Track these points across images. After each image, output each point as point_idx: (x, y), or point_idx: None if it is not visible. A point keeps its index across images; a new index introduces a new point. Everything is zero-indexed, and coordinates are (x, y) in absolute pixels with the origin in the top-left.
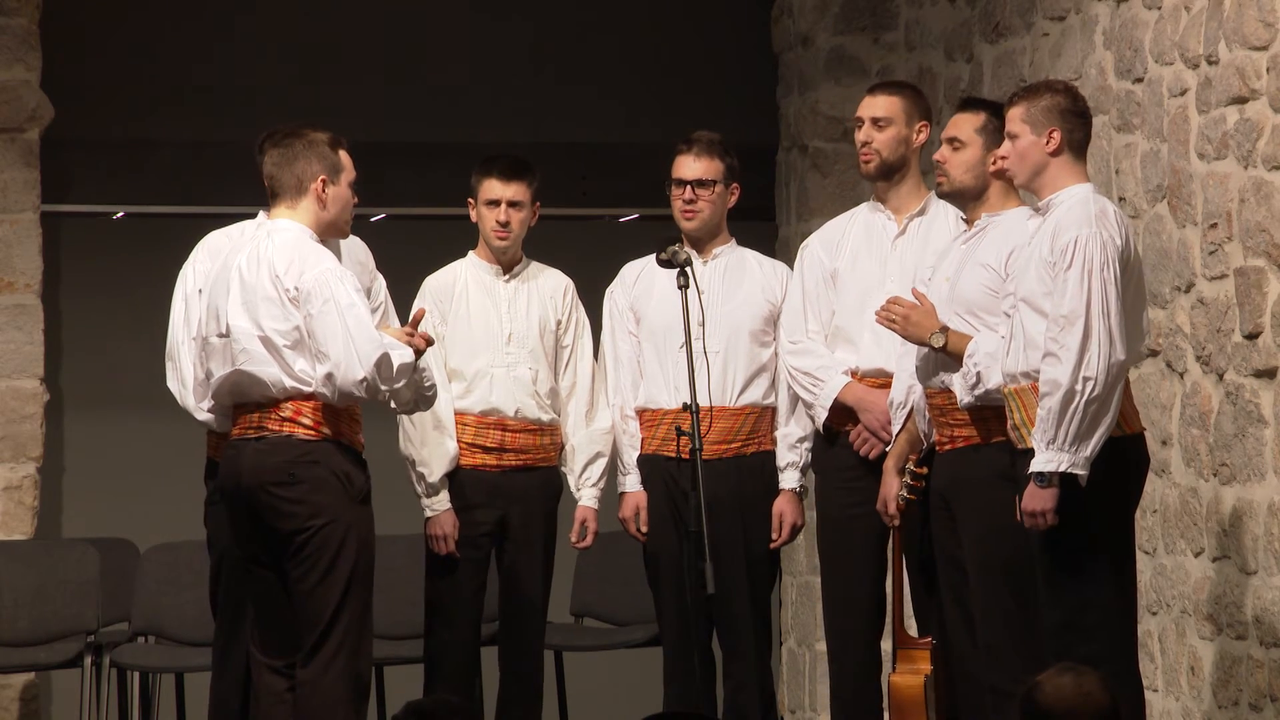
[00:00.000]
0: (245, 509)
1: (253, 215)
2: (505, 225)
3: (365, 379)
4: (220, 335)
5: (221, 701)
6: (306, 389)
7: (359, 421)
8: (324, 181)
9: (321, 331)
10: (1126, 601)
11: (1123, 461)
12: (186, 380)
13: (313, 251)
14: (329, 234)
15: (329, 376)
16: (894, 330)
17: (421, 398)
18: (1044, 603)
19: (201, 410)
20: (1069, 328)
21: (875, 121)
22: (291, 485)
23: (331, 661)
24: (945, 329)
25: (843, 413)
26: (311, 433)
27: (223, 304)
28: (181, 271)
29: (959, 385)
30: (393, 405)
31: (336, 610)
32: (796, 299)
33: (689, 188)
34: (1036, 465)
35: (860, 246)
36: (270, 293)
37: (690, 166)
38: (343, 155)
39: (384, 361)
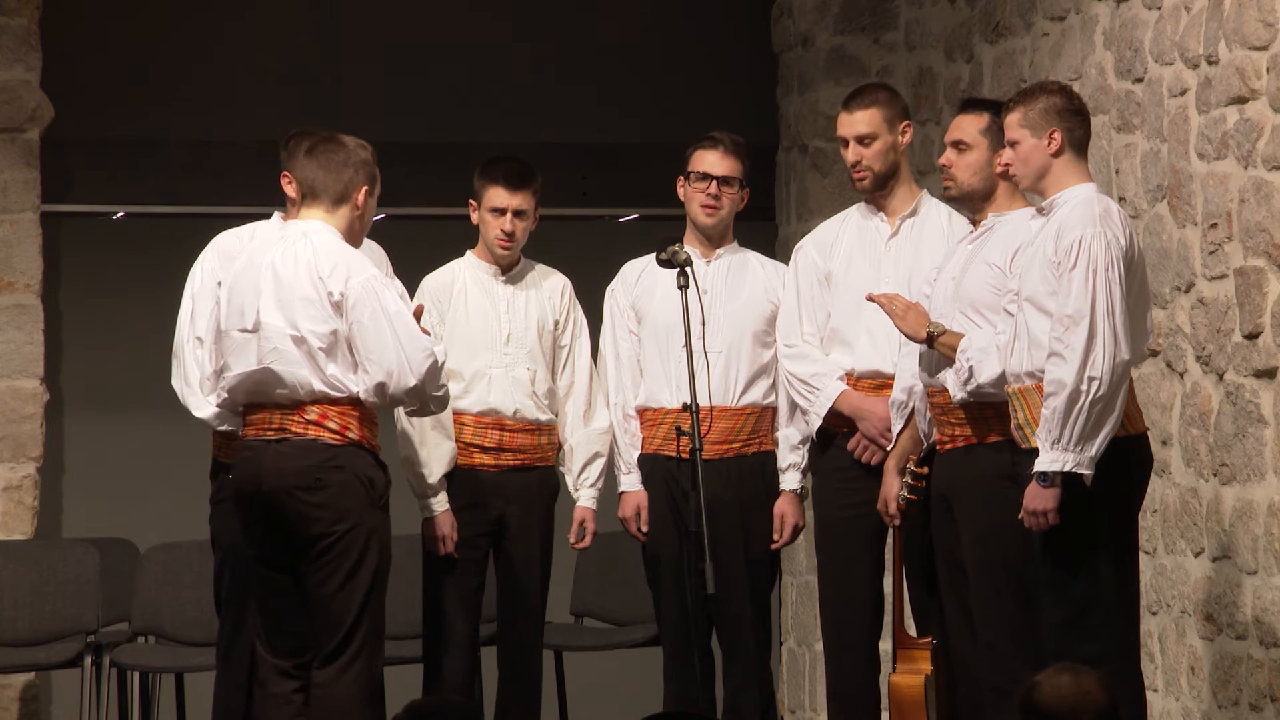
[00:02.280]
0: (263, 511)
1: (253, 215)
2: (510, 236)
3: (417, 385)
4: (244, 330)
5: (225, 701)
6: (334, 394)
7: (378, 425)
8: (365, 192)
9: (374, 340)
10: (1128, 601)
11: (1126, 462)
12: (190, 379)
13: (356, 257)
14: (352, 242)
15: (380, 386)
16: (892, 317)
17: (433, 399)
18: (1046, 602)
19: (203, 408)
20: (1074, 327)
21: (860, 139)
22: (318, 490)
23: (350, 665)
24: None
25: (839, 416)
26: (337, 437)
27: (250, 300)
28: (191, 271)
29: (952, 381)
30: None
31: (358, 614)
32: (791, 302)
33: (714, 183)
34: (1041, 465)
35: (854, 248)
36: (310, 294)
37: (718, 163)
38: (377, 169)
39: (432, 366)
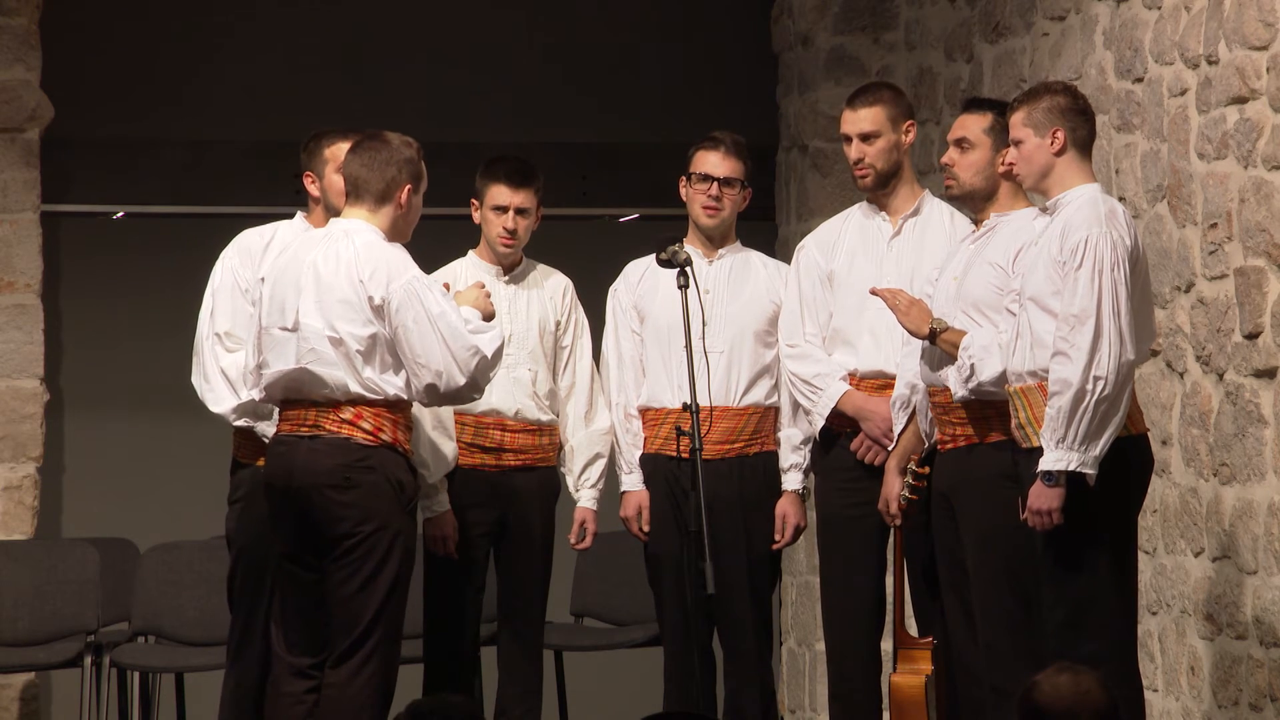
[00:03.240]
0: (293, 506)
1: (252, 215)
2: (512, 233)
3: (468, 383)
4: (284, 329)
5: (234, 698)
6: (370, 395)
7: (411, 429)
8: (409, 190)
9: (419, 344)
10: (1128, 601)
11: (1126, 462)
12: (210, 375)
13: (397, 259)
14: (397, 240)
15: (431, 387)
16: (895, 312)
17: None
18: (1046, 601)
19: (220, 403)
20: (1079, 327)
21: (863, 137)
22: (347, 489)
23: (363, 667)
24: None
25: (842, 416)
26: (370, 438)
27: (292, 298)
28: (213, 269)
29: (953, 379)
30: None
31: (375, 616)
32: (793, 302)
33: (715, 185)
34: (1045, 464)
35: (856, 248)
36: (349, 295)
37: (719, 164)
38: (423, 164)
39: (481, 361)
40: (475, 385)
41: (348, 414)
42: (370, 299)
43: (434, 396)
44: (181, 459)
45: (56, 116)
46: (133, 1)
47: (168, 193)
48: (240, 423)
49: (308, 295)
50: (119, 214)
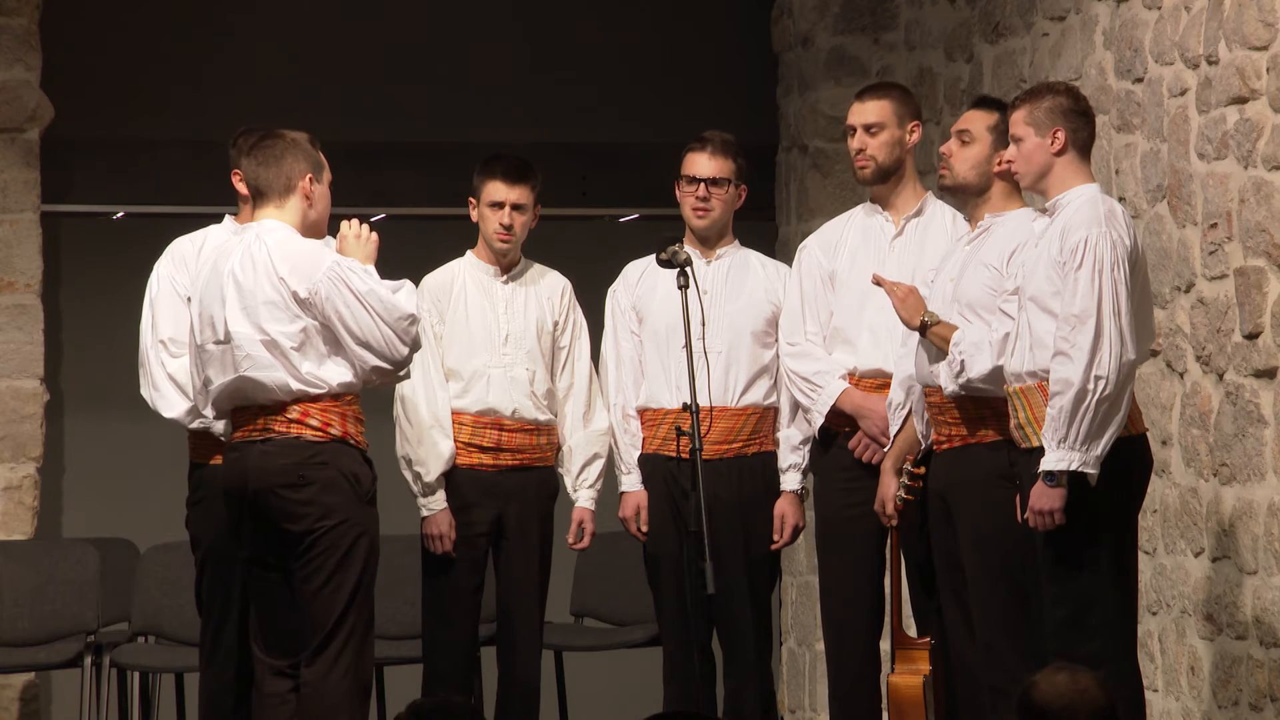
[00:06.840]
0: (251, 511)
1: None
2: (509, 229)
3: (410, 351)
4: (217, 342)
5: (212, 699)
6: (313, 390)
7: (363, 421)
8: (310, 179)
9: (357, 327)
10: (1128, 601)
11: (1126, 462)
12: (158, 382)
13: (312, 250)
14: (311, 234)
15: (377, 368)
16: (892, 297)
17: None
18: (1047, 601)
19: (171, 408)
20: (1080, 327)
21: (867, 128)
22: (301, 487)
23: (336, 661)
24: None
25: (840, 415)
26: (319, 434)
27: (218, 311)
28: (149, 281)
29: (944, 374)
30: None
31: (344, 610)
32: (795, 301)
33: (702, 185)
34: (1047, 464)
35: (858, 248)
36: (272, 296)
37: (705, 165)
38: (321, 154)
39: (415, 325)
40: (418, 344)
41: (294, 413)
42: (295, 294)
43: (382, 375)
44: (181, 459)
45: (56, 116)
46: (133, 1)
47: (168, 193)
48: (195, 425)
49: (232, 304)
50: (119, 214)
